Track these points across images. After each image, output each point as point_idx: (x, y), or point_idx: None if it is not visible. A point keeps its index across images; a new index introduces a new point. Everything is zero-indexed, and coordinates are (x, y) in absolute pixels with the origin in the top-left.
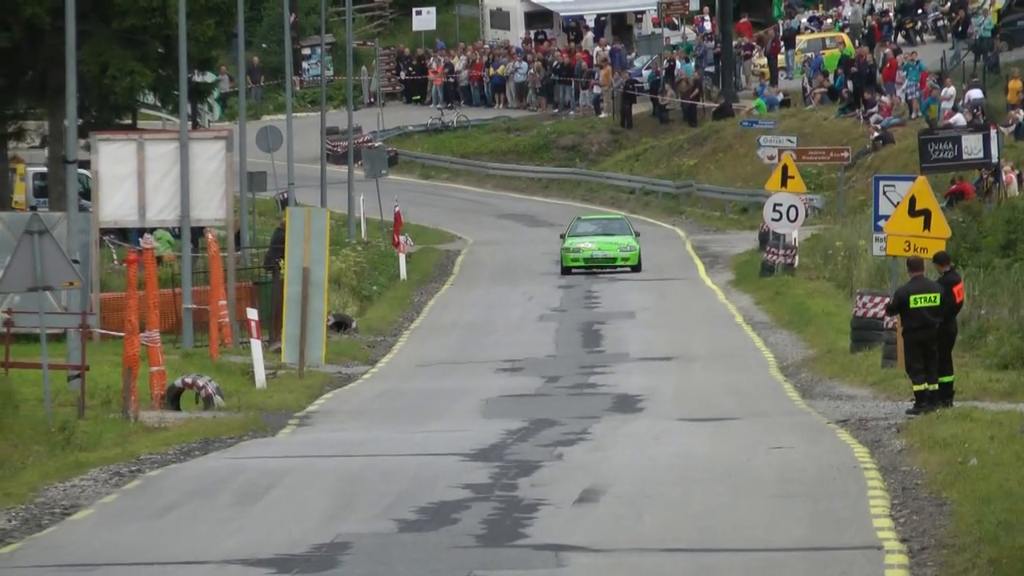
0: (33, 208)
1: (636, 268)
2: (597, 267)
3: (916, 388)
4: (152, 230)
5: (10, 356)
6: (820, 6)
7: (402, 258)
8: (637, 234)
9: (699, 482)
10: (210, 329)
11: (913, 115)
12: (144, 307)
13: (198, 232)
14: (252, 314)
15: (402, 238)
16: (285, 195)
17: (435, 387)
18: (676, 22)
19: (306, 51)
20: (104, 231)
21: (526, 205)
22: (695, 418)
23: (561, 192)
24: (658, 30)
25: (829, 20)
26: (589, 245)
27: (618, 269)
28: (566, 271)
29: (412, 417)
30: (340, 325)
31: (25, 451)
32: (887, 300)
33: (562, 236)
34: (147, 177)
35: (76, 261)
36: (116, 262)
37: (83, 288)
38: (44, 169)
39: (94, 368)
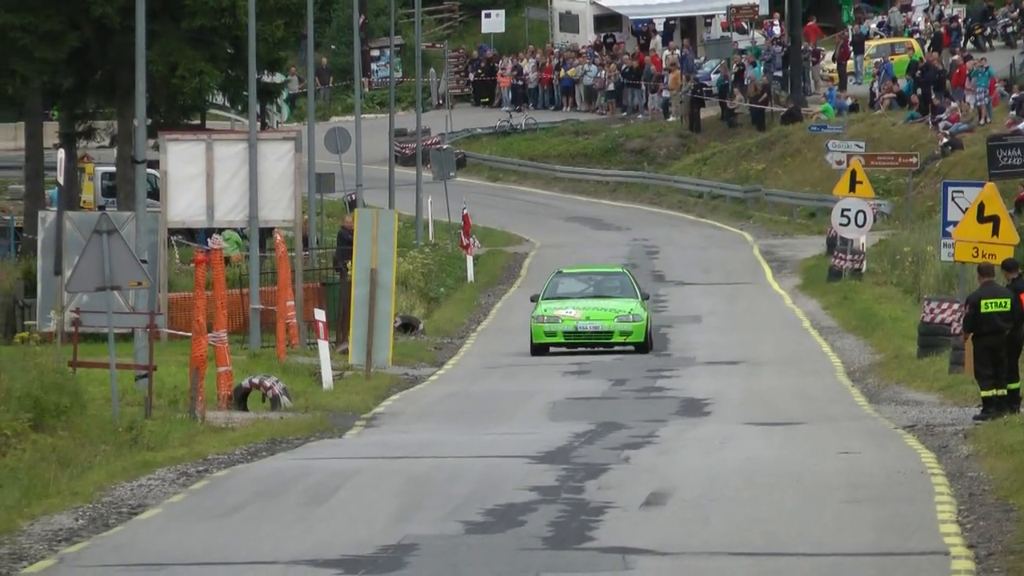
0: (101, 208)
1: (643, 347)
2: (584, 344)
3: (984, 394)
4: (220, 231)
5: (78, 355)
6: (889, 12)
7: (469, 260)
8: (645, 297)
9: (766, 486)
10: (277, 330)
11: (982, 121)
12: (212, 307)
13: (266, 233)
14: (320, 315)
15: (469, 240)
16: (353, 196)
17: (502, 389)
18: (745, 26)
19: (375, 53)
20: (172, 231)
21: (593, 208)
22: (762, 422)
23: (629, 195)
24: (727, 34)
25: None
26: (572, 312)
27: (615, 348)
28: (538, 350)
29: (479, 419)
30: (407, 327)
31: (92, 450)
32: (956, 307)
33: (534, 298)
34: (215, 178)
35: (144, 261)
36: (183, 262)
37: (151, 288)
38: (113, 169)
39: (161, 368)
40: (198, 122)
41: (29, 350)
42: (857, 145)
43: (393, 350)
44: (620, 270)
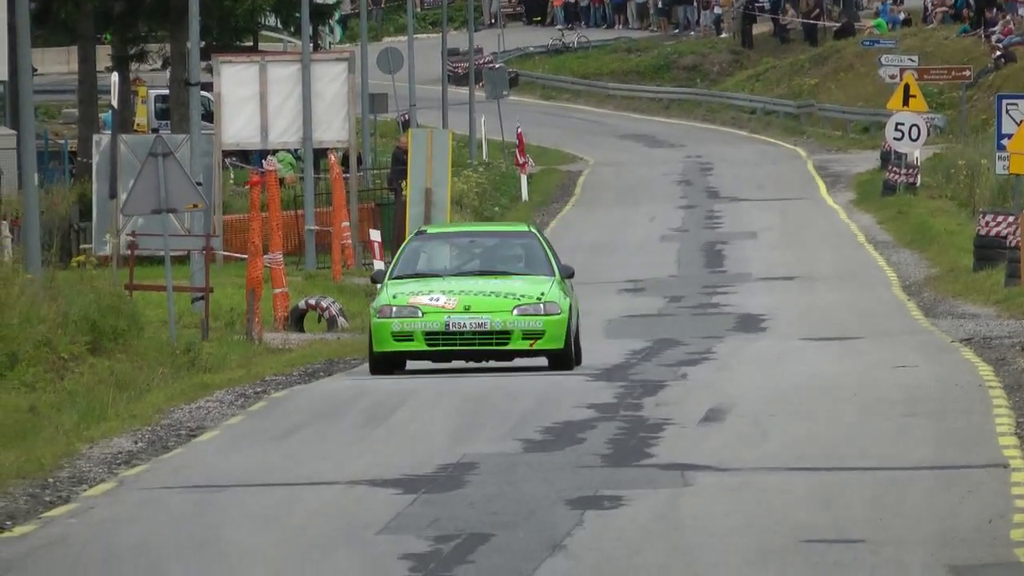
0: (155, 131)
1: (562, 359)
2: (462, 352)
3: None
4: (274, 152)
5: (134, 278)
6: None
7: (524, 179)
8: (568, 274)
9: (824, 401)
10: (332, 251)
11: None
12: (267, 229)
13: (320, 154)
14: (375, 235)
15: (524, 159)
16: (406, 117)
17: None
18: None
19: None
20: (226, 153)
21: (647, 126)
22: (818, 338)
23: (682, 112)
24: None
25: None
26: (441, 300)
27: (513, 356)
28: (382, 365)
29: None
30: None
31: (150, 373)
32: (1012, 220)
33: (377, 278)
34: (269, 99)
35: (199, 183)
36: (237, 184)
37: (206, 210)
38: (166, 92)
39: (218, 290)
40: (251, 44)
41: (85, 274)
42: (910, 59)
43: None
44: (525, 228)
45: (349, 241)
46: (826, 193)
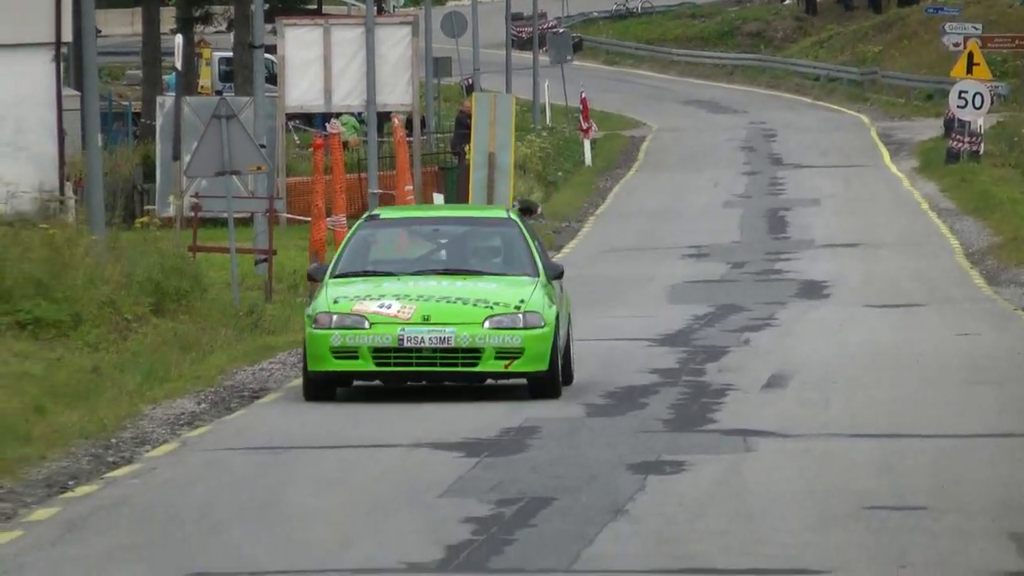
0: (219, 93)
1: (546, 382)
2: (420, 372)
3: None
4: (338, 115)
5: (198, 240)
6: None
7: (587, 144)
8: (557, 274)
9: (886, 368)
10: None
11: None
12: (330, 191)
13: (383, 117)
14: (438, 199)
15: (588, 124)
16: (470, 81)
17: (620, 273)
18: None
19: None
20: (289, 116)
21: (710, 91)
22: (881, 304)
23: (745, 79)
24: None
25: None
26: (393, 307)
27: (483, 379)
28: (316, 385)
29: (598, 302)
30: (525, 210)
31: (213, 334)
32: None
33: (312, 276)
34: (333, 62)
35: (263, 145)
36: (301, 147)
37: (270, 172)
38: (230, 54)
39: (281, 252)
40: (315, 7)
41: (149, 235)
42: (974, 27)
43: None
44: (504, 214)
45: (413, 203)
46: (889, 161)
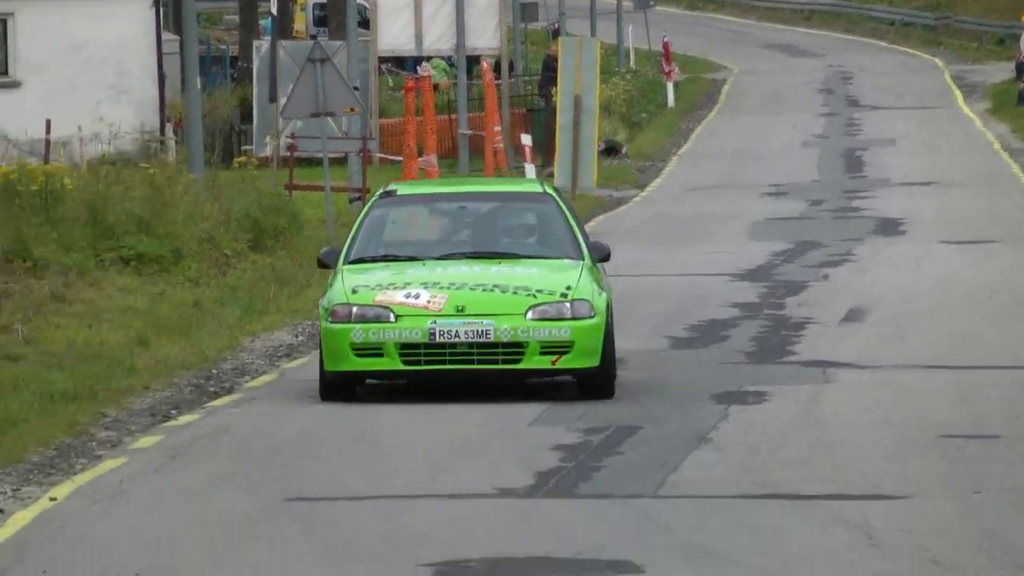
0: (313, 37)
1: (596, 379)
2: (453, 372)
3: None
4: (428, 59)
5: (293, 179)
6: None
7: (670, 87)
8: (603, 255)
9: (961, 303)
10: (485, 154)
11: None
12: (422, 132)
13: (473, 61)
14: (526, 140)
15: (670, 67)
16: (556, 25)
17: (703, 210)
18: None
19: None
20: (382, 59)
21: (789, 36)
22: (955, 241)
23: (823, 23)
24: None
25: None
26: (421, 297)
27: (526, 378)
28: (334, 387)
29: (681, 239)
30: (610, 151)
31: (310, 270)
32: None
33: (323, 262)
34: (424, 7)
35: (356, 88)
36: (394, 89)
37: (363, 114)
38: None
39: (374, 191)
40: None
41: (246, 174)
42: None
43: (597, 173)
44: (539, 188)
45: (501, 145)
46: (963, 103)
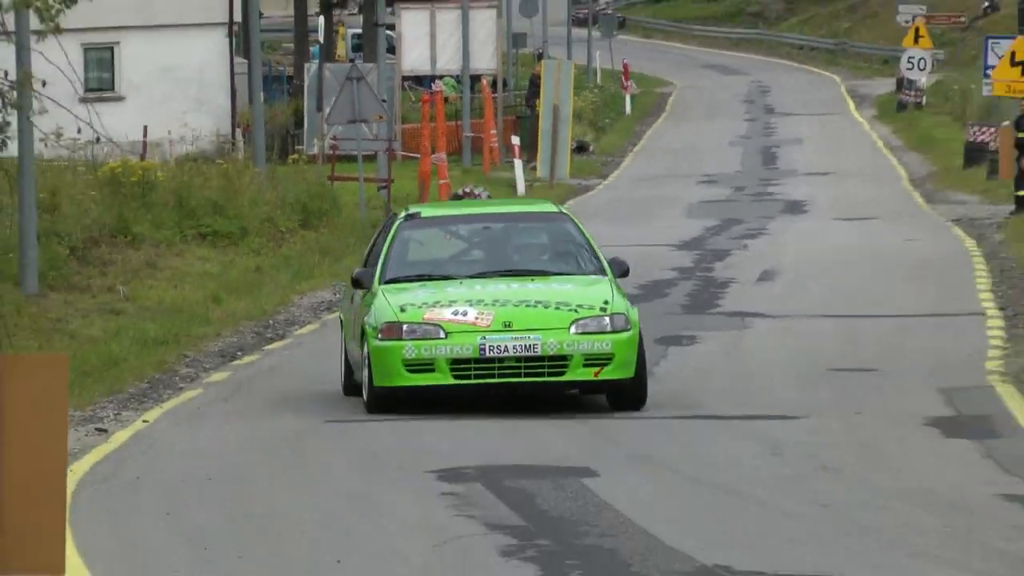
0: (351, 60)
1: (631, 391)
2: (503, 383)
3: (1018, 193)
4: (440, 77)
5: (335, 172)
6: None
7: (628, 98)
8: (623, 271)
9: (850, 265)
10: (483, 152)
11: None
12: (434, 135)
13: (475, 79)
14: (515, 140)
15: (628, 83)
16: (540, 51)
17: (652, 195)
18: None
19: None
20: (405, 78)
21: (721, 59)
22: (847, 218)
23: (748, 48)
24: None
25: None
26: (469, 314)
27: (568, 389)
28: (384, 400)
29: (635, 217)
30: (581, 148)
31: (345, 243)
32: (993, 131)
33: (358, 281)
34: (437, 37)
35: (384, 100)
36: (413, 101)
37: (389, 120)
38: (359, 31)
39: (397, 181)
40: None
41: (298, 168)
42: (920, 8)
43: (570, 166)
44: (554, 208)
45: (495, 144)
46: (854, 110)
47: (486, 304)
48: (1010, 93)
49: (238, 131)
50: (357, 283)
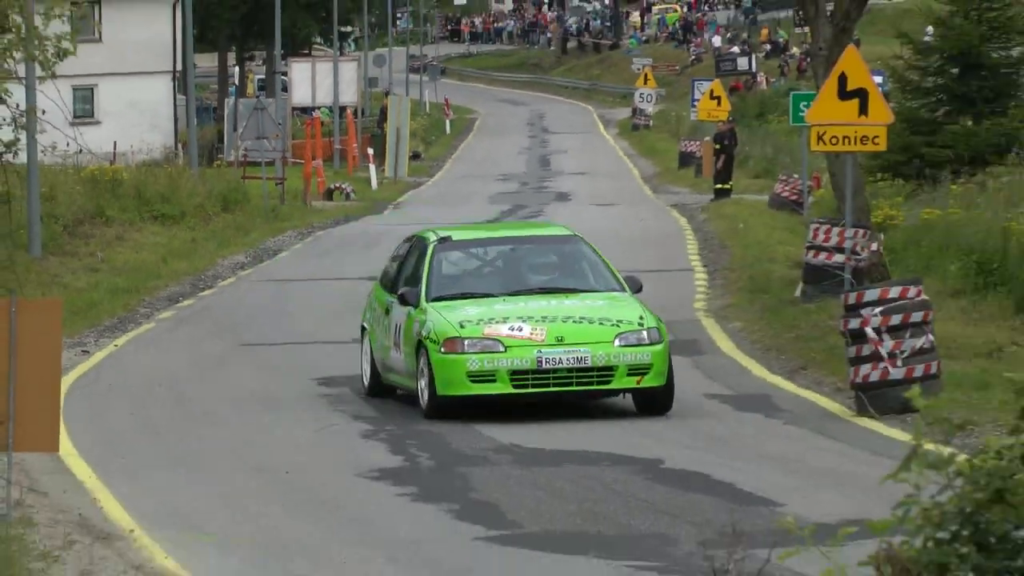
0: (257, 96)
1: (659, 398)
2: (556, 392)
3: (716, 187)
4: (319, 108)
5: (246, 173)
6: None
7: (448, 122)
8: (638, 287)
9: (601, 238)
10: (348, 159)
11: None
12: (314, 147)
13: (343, 109)
14: (370, 151)
15: (448, 111)
16: (388, 90)
17: (464, 188)
18: None
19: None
20: (294, 108)
21: (511, 95)
22: (598, 204)
23: (529, 88)
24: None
25: None
26: (522, 330)
27: (607, 396)
28: (444, 409)
29: (453, 203)
30: (416, 156)
31: (253, 222)
32: (698, 144)
33: (405, 299)
34: (316, 80)
35: (279, 123)
36: (300, 125)
37: (283, 137)
38: (263, 76)
39: (289, 179)
40: (307, 52)
41: (220, 171)
42: (647, 60)
43: (408, 169)
44: (568, 231)
45: (357, 154)
46: (603, 130)
47: (536, 320)
48: (709, 118)
49: (179, 145)
50: (405, 301)
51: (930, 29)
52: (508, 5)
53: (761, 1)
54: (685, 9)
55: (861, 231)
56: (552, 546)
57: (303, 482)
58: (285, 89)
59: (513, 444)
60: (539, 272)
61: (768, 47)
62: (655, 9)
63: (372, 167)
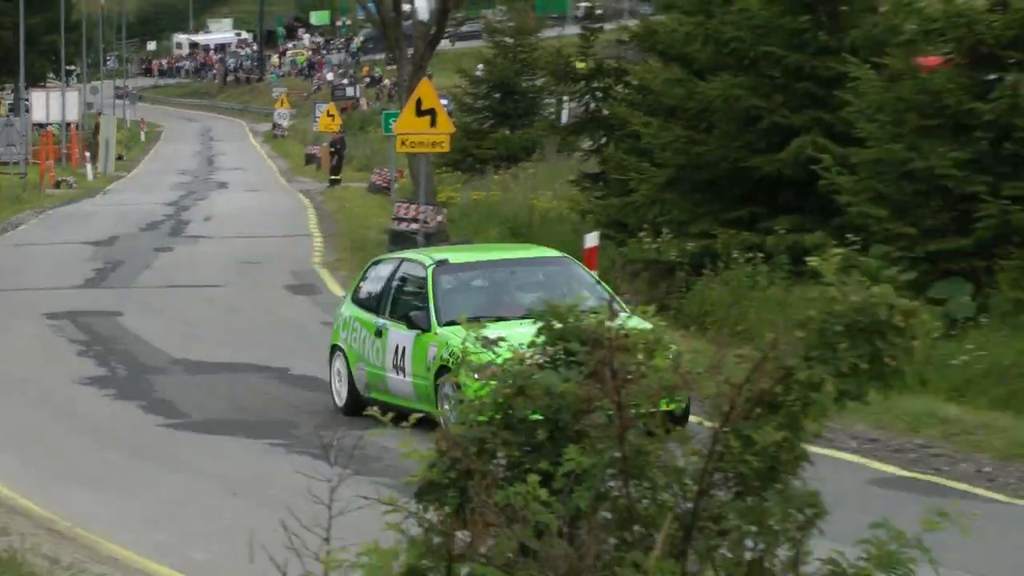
0: (7, 116)
1: (681, 418)
2: None
3: (330, 178)
4: (51, 123)
5: None
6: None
7: (142, 134)
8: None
9: (249, 213)
10: (71, 159)
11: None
12: (47, 151)
13: (68, 124)
14: (87, 154)
15: (143, 126)
16: (101, 111)
17: (154, 179)
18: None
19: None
20: (34, 124)
21: (189, 114)
22: (248, 190)
23: (201, 109)
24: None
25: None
26: None
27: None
28: None
29: (146, 190)
30: (120, 157)
31: (1, 204)
32: (320, 147)
33: (415, 323)
34: (50, 104)
35: (23, 135)
36: (38, 135)
37: (25, 144)
38: (12, 102)
39: (30, 175)
40: (44, 84)
41: None
42: (283, 89)
43: (115, 166)
44: (558, 253)
45: (78, 155)
46: (252, 139)
47: None
48: (326, 129)
49: None
50: (415, 325)
51: (480, 66)
52: (185, 50)
53: (362, 46)
54: (310, 52)
55: (430, 207)
56: (212, 430)
57: (39, 389)
58: (28, 110)
59: (184, 358)
60: (543, 293)
61: (368, 79)
62: (288, 52)
63: (88, 165)
